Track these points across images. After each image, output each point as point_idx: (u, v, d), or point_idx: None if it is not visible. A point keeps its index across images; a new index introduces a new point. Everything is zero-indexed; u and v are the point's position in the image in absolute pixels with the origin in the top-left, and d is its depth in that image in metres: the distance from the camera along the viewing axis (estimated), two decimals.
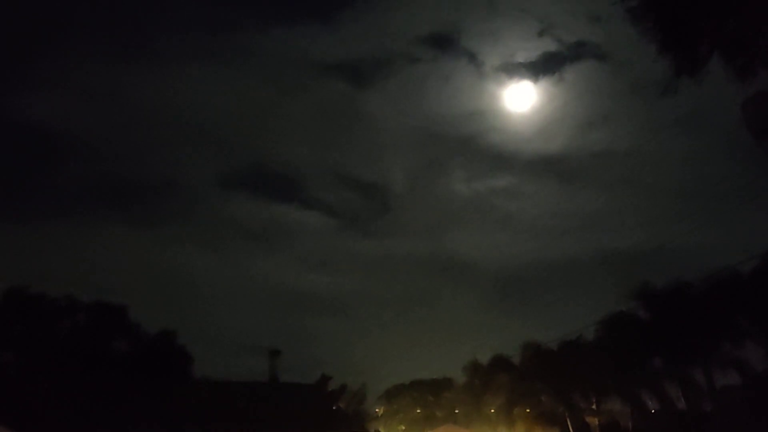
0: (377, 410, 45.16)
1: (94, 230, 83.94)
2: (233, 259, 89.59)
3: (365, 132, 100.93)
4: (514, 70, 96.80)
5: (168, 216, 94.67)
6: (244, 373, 41.87)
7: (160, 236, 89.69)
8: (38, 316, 37.66)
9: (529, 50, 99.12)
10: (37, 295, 38.29)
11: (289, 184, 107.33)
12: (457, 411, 39.53)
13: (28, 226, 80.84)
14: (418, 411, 41.92)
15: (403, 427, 41.89)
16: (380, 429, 42.14)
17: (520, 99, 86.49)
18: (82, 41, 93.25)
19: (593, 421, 32.75)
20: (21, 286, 38.14)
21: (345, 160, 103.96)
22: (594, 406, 32.99)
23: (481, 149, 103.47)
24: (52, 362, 35.08)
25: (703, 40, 12.74)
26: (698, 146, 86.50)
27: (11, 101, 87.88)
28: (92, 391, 28.41)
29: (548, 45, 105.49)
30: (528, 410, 35.50)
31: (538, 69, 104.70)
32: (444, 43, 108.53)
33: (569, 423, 33.55)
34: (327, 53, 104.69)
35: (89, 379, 30.60)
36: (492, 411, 37.22)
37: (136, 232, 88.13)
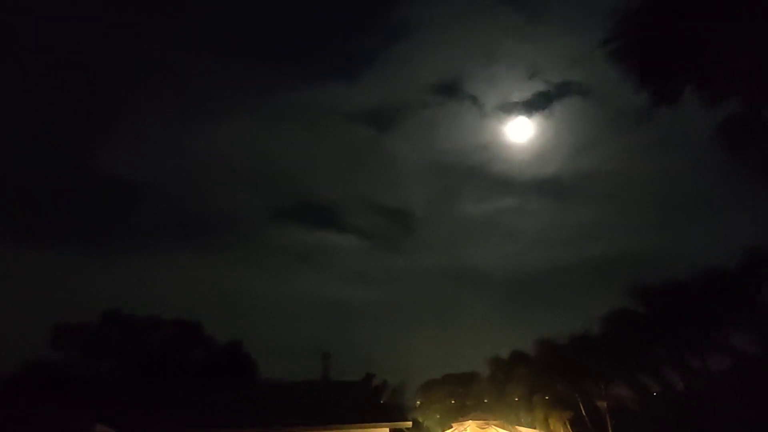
0: (417, 402, 44.73)
1: (170, 259, 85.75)
2: (285, 277, 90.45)
3: (389, 167, 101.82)
4: (510, 108, 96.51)
5: (229, 244, 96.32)
6: (300, 374, 42.09)
7: (224, 261, 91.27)
8: (129, 334, 38.63)
9: (522, 91, 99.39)
10: (128, 316, 39.33)
11: (328, 213, 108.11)
12: (486, 400, 39.02)
13: (117, 259, 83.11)
14: (453, 402, 41.44)
15: (439, 416, 41.40)
16: (419, 418, 41.71)
17: (518, 132, 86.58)
18: (155, 105, 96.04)
19: (603, 404, 32.07)
20: (114, 309, 39.28)
21: (373, 191, 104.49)
22: (603, 392, 32.34)
23: (487, 176, 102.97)
24: (141, 371, 35.83)
25: (678, 75, 12.76)
26: (672, 163, 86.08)
27: (101, 159, 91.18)
28: (175, 393, 28.86)
29: (538, 86, 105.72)
30: (546, 397, 34.94)
31: (531, 106, 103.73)
32: (449, 89, 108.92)
33: (582, 407, 32.94)
34: (353, 105, 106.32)
35: (173, 384, 31.16)
36: (516, 399, 36.71)
37: (204, 259, 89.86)
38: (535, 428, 31.92)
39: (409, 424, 31.23)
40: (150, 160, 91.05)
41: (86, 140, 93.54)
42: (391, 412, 33.06)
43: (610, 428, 31.20)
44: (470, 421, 30.21)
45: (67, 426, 16.25)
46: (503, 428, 29.83)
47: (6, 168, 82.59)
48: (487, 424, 29.95)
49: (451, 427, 31.32)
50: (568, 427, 33.59)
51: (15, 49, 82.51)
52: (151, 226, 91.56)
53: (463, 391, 41.74)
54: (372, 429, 25.96)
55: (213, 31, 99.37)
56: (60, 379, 30.50)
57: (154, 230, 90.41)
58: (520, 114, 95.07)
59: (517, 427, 31.11)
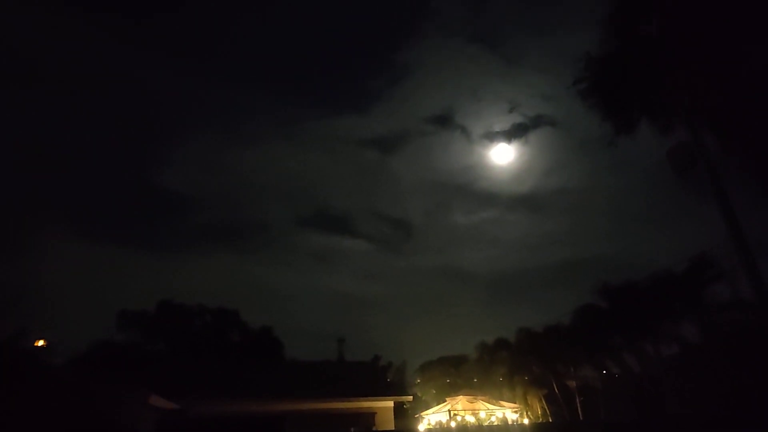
0: (417, 380, 44.24)
1: (212, 258, 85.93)
2: (307, 274, 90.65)
3: (392, 184, 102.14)
4: (493, 136, 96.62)
5: (261, 246, 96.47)
6: (319, 355, 41.96)
7: (256, 260, 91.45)
8: (180, 319, 38.72)
9: (503, 122, 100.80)
10: (179, 304, 39.47)
11: (342, 221, 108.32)
12: (474, 379, 38.63)
13: (170, 257, 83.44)
14: (447, 380, 40.96)
15: (435, 391, 40.97)
16: (418, 393, 41.35)
17: (499, 156, 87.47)
18: (200, 132, 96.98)
19: (572, 383, 31.77)
20: (168, 298, 39.43)
21: (379, 204, 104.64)
22: (572, 373, 32.03)
23: (473, 192, 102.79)
24: (189, 350, 35.88)
25: (634, 109, 12.83)
26: (629, 182, 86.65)
27: (157, 176, 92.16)
28: (217, 369, 28.88)
29: (516, 118, 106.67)
30: (525, 377, 34.64)
31: (510, 135, 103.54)
32: (443, 120, 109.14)
33: (555, 386, 32.64)
34: (363, 132, 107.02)
35: (215, 361, 31.16)
36: (499, 379, 36.38)
37: (240, 258, 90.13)
38: (515, 403, 31.61)
39: (410, 398, 31.07)
40: (196, 177, 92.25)
41: (146, 161, 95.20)
42: (395, 388, 32.91)
43: (578, 404, 30.89)
44: (461, 396, 29.99)
45: (127, 396, 16.25)
46: (489, 403, 29.59)
47: (85, 183, 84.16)
48: (476, 399, 29.72)
49: (446, 401, 31.09)
50: (543, 402, 33.26)
51: (101, 93, 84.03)
52: (197, 230, 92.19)
53: (455, 371, 41.41)
54: (379, 402, 25.83)
55: (250, 72, 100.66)
56: (122, 356, 30.62)
57: (199, 234, 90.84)
58: (502, 141, 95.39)
59: (500, 401, 30.86)
